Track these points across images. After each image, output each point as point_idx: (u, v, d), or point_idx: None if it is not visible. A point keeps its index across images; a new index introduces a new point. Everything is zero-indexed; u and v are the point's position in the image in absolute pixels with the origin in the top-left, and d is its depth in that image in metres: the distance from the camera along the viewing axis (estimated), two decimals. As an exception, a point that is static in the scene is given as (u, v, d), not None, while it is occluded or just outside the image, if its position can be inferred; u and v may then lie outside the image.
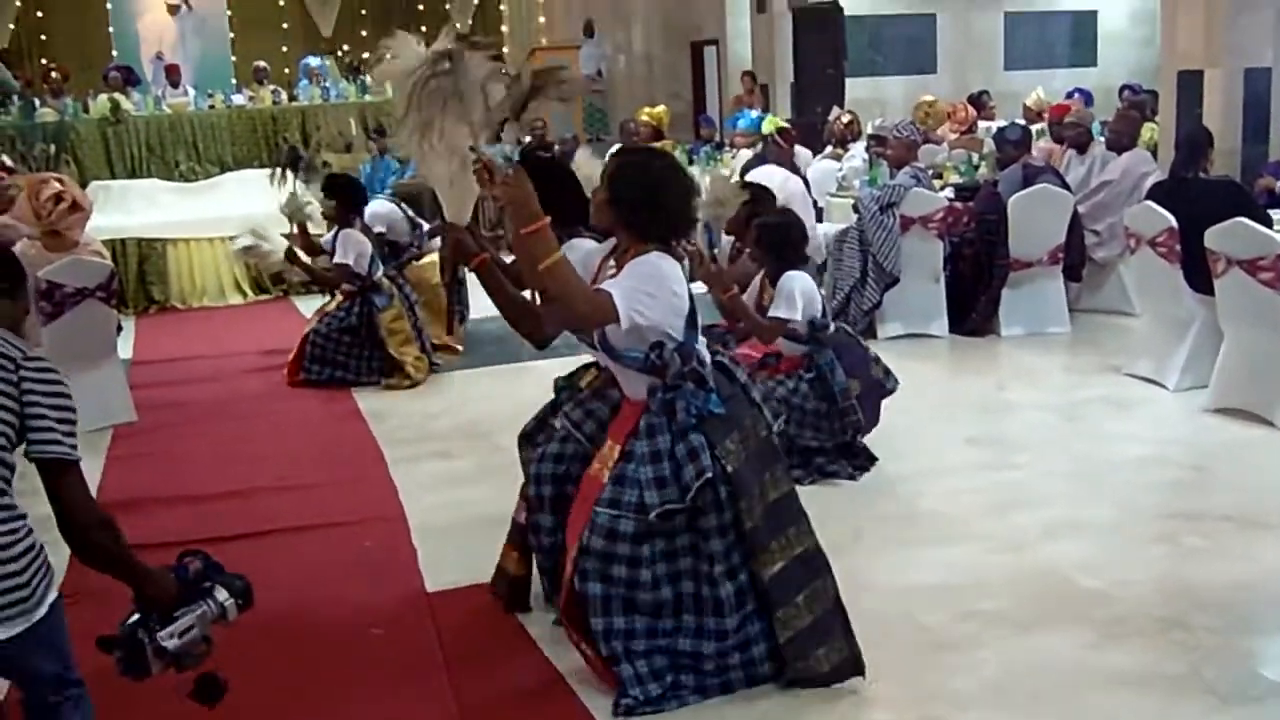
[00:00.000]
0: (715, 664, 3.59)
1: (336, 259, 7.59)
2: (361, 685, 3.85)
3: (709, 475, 3.45)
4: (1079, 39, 16.85)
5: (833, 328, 5.59)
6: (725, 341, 5.45)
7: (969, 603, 4.16)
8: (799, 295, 5.36)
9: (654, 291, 3.43)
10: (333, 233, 7.74)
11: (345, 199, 7.73)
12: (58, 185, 6.97)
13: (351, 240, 7.56)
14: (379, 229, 7.99)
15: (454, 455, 6.23)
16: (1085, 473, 5.46)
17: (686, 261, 4.32)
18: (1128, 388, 6.72)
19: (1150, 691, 3.56)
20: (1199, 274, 6.30)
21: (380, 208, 8.22)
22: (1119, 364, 7.06)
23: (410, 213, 8.50)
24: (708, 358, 3.61)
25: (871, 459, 5.59)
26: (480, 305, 9.04)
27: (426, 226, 8.48)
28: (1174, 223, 6.37)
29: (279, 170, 7.93)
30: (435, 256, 8.32)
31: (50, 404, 2.69)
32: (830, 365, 5.45)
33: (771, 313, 5.38)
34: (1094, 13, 16.76)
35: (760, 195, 6.30)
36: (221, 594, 2.92)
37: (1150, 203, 6.60)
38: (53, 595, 2.79)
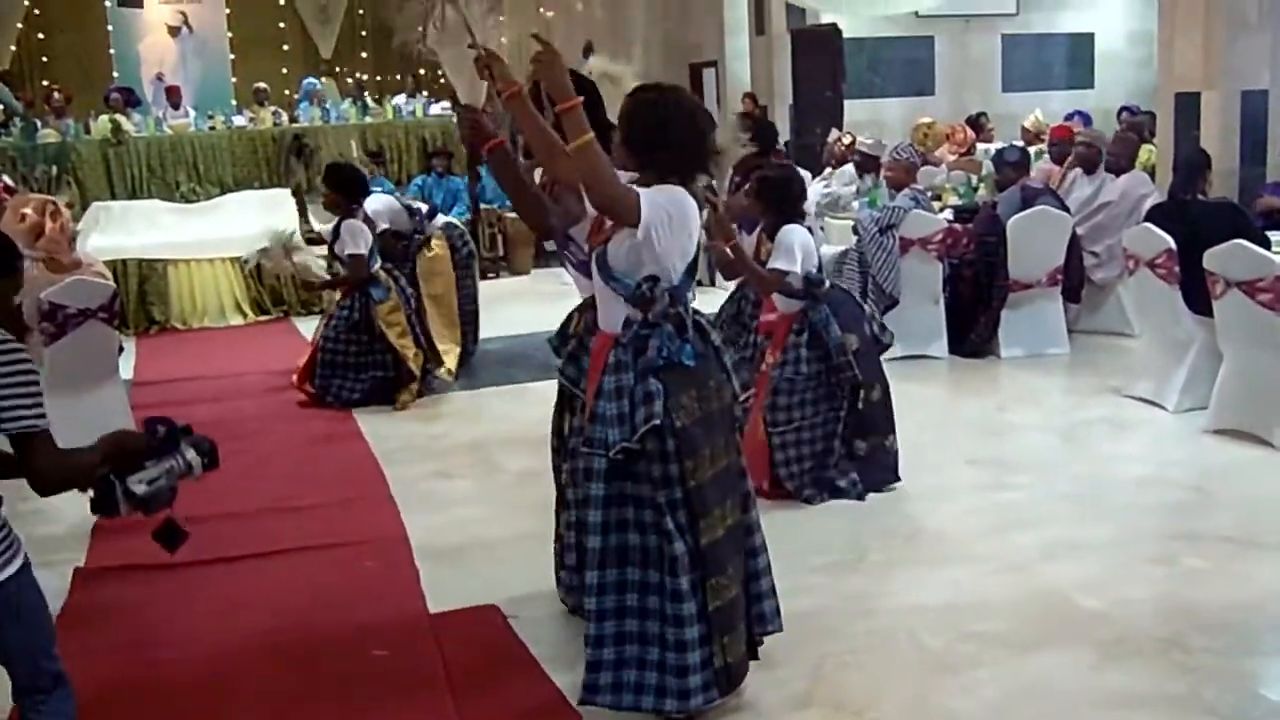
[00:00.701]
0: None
1: (348, 250, 7.59)
2: (365, 707, 3.86)
3: (656, 423, 3.36)
4: (1076, 60, 16.89)
5: (828, 284, 5.61)
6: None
7: (971, 623, 4.17)
8: (798, 248, 5.42)
9: (675, 218, 3.38)
10: (334, 224, 7.79)
11: (348, 189, 7.72)
12: (28, 211, 6.98)
13: (357, 230, 7.59)
14: (383, 225, 8.01)
15: (455, 475, 6.24)
16: (1085, 494, 5.47)
17: (707, 212, 4.33)
18: (1127, 409, 6.74)
19: (1151, 712, 3.57)
20: (1198, 295, 6.33)
21: (379, 203, 8.20)
22: (1118, 385, 7.08)
23: (406, 201, 8.53)
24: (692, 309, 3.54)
25: (895, 475, 5.62)
26: (489, 325, 9.12)
27: (424, 208, 8.54)
28: (1173, 244, 6.40)
29: (285, 159, 7.92)
30: (444, 246, 8.42)
31: (12, 379, 2.70)
32: (825, 321, 5.45)
33: (771, 265, 5.42)
34: (1091, 35, 16.81)
35: (766, 135, 6.28)
36: (189, 452, 3.02)
37: (1149, 224, 6.63)
38: (15, 566, 2.82)
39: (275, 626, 4.52)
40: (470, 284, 8.69)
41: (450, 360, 8.19)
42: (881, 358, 7.92)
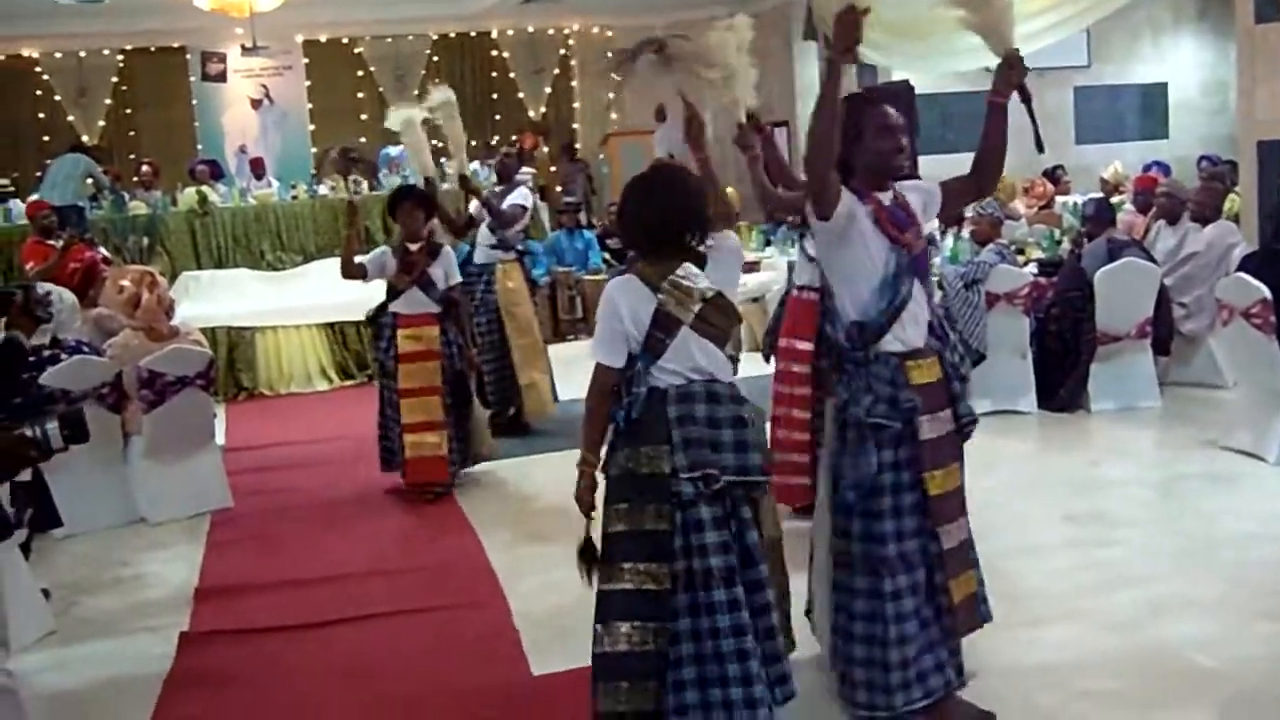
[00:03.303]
0: None
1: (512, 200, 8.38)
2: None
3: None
4: (1149, 110, 16.77)
5: None
6: None
7: (1083, 682, 4.11)
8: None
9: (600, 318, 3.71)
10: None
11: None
12: (126, 283, 7.16)
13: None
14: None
15: (550, 538, 6.24)
16: (1189, 549, 5.38)
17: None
18: (1226, 462, 6.62)
19: (1279, 773, 3.49)
20: (1295, 345, 6.24)
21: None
22: (1214, 437, 6.96)
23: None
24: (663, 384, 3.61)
25: None
26: (571, 385, 9.15)
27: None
28: (1267, 294, 6.32)
29: (335, 171, 7.97)
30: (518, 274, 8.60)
31: None
32: None
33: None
34: (1164, 84, 16.71)
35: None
36: (50, 423, 3.17)
37: (1242, 274, 6.55)
38: None
39: (380, 692, 4.54)
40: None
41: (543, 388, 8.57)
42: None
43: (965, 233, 8.86)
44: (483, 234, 8.58)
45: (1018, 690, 4.09)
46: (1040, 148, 4.02)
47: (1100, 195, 10.40)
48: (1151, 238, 8.74)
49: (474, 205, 8.50)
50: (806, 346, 5.91)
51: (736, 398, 3.67)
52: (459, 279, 7.23)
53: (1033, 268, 8.54)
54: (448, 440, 6.98)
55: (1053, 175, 13.06)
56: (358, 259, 7.07)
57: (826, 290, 3.91)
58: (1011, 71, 3.81)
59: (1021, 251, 9.24)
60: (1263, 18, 9.12)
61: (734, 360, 3.81)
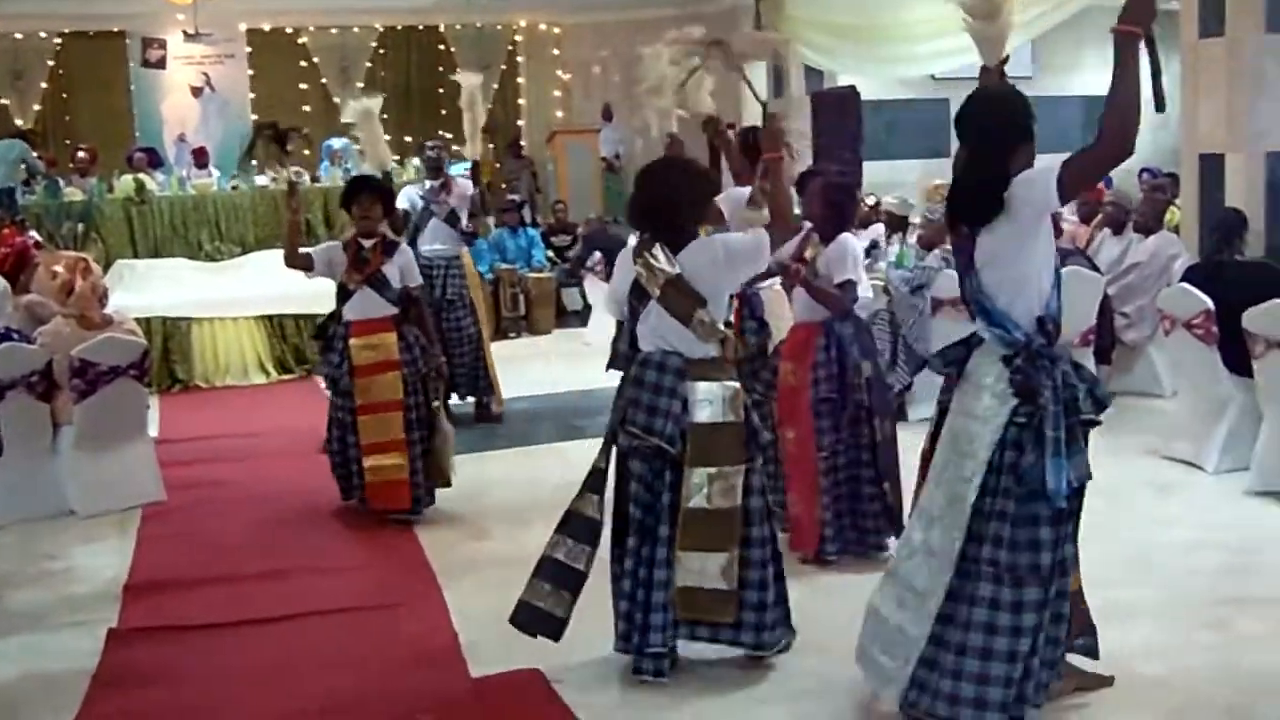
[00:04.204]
0: None
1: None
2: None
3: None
4: (1091, 123, 16.81)
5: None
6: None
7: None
8: (861, 257, 5.52)
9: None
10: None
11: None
12: (59, 269, 6.99)
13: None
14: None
15: (490, 537, 6.18)
16: (1131, 558, 5.38)
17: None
18: (1166, 470, 6.67)
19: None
20: (1235, 356, 6.29)
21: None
22: (1155, 446, 7.01)
23: None
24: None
25: (891, 528, 5.45)
26: (511, 384, 9.07)
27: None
28: (1210, 305, 6.37)
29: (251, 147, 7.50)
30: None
31: None
32: (851, 337, 5.34)
33: (837, 277, 5.31)
34: (1104, 98, 16.93)
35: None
36: None
37: (1186, 285, 6.60)
38: None
39: (313, 690, 4.44)
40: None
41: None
42: (913, 419, 7.93)
43: (911, 238, 8.87)
44: (440, 227, 8.53)
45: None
46: (1159, 105, 3.53)
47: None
48: (1095, 247, 8.79)
49: (403, 201, 8.40)
50: None
51: (682, 371, 4.14)
52: (419, 280, 6.67)
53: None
54: (410, 461, 6.30)
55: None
56: (304, 249, 6.59)
57: (983, 292, 3.68)
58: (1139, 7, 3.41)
59: (966, 258, 9.26)
60: (1206, 32, 9.20)
61: (709, 338, 4.16)
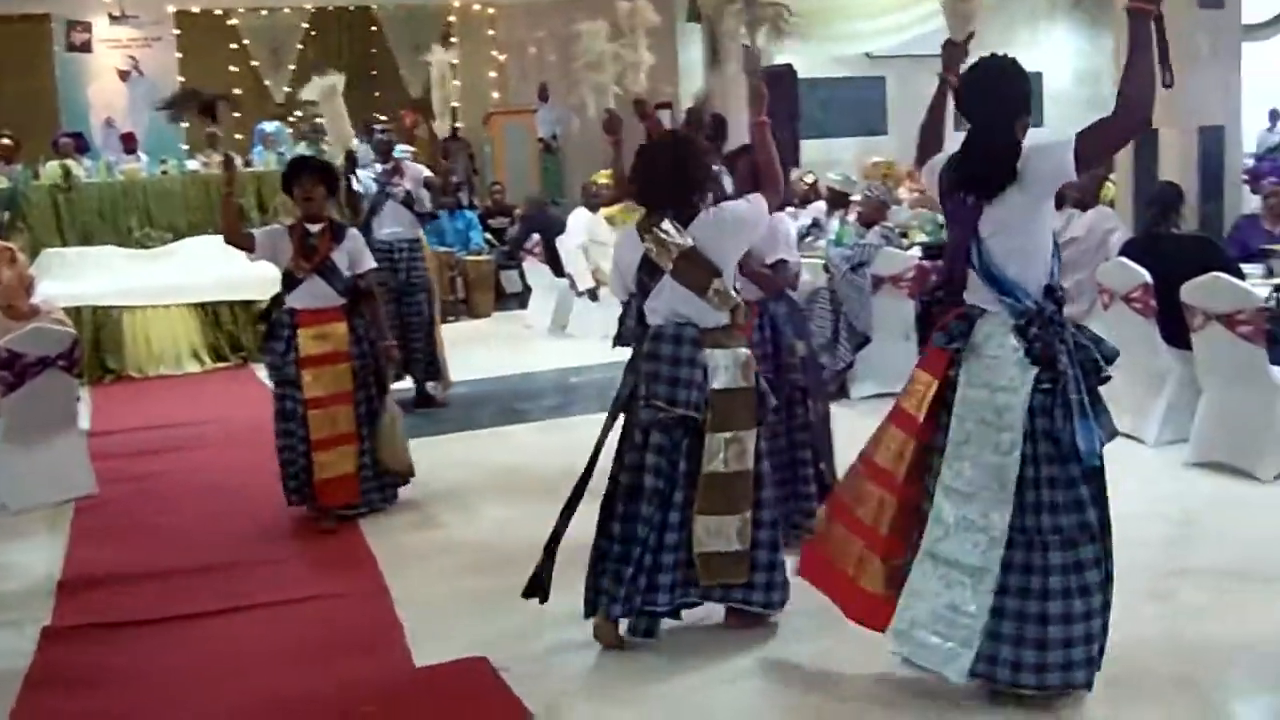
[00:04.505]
0: None
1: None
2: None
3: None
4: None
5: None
6: None
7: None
8: (793, 235, 5.47)
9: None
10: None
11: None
12: None
13: None
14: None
15: (434, 524, 6.10)
16: (1074, 530, 5.41)
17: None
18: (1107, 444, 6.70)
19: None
20: (1174, 329, 6.34)
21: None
22: (1092, 419, 7.04)
23: None
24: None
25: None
26: (451, 369, 8.97)
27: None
28: (1148, 278, 6.41)
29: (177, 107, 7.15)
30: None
31: None
32: (785, 318, 5.31)
33: (770, 257, 5.25)
34: (1039, 74, 17.00)
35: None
36: None
37: (1124, 259, 6.64)
38: None
39: (255, 686, 4.35)
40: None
41: None
42: (855, 396, 7.94)
43: (851, 216, 8.87)
44: (397, 210, 8.43)
45: (908, 676, 4.04)
46: (1167, 81, 3.61)
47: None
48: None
49: (356, 184, 8.30)
50: None
51: (698, 341, 4.21)
52: (372, 264, 6.28)
53: (917, 251, 8.58)
54: (358, 456, 6.06)
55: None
56: (247, 229, 6.32)
57: (993, 262, 3.70)
58: None
59: (906, 235, 9.28)
60: (1140, 7, 9.27)
61: (722, 307, 4.25)
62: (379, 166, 8.60)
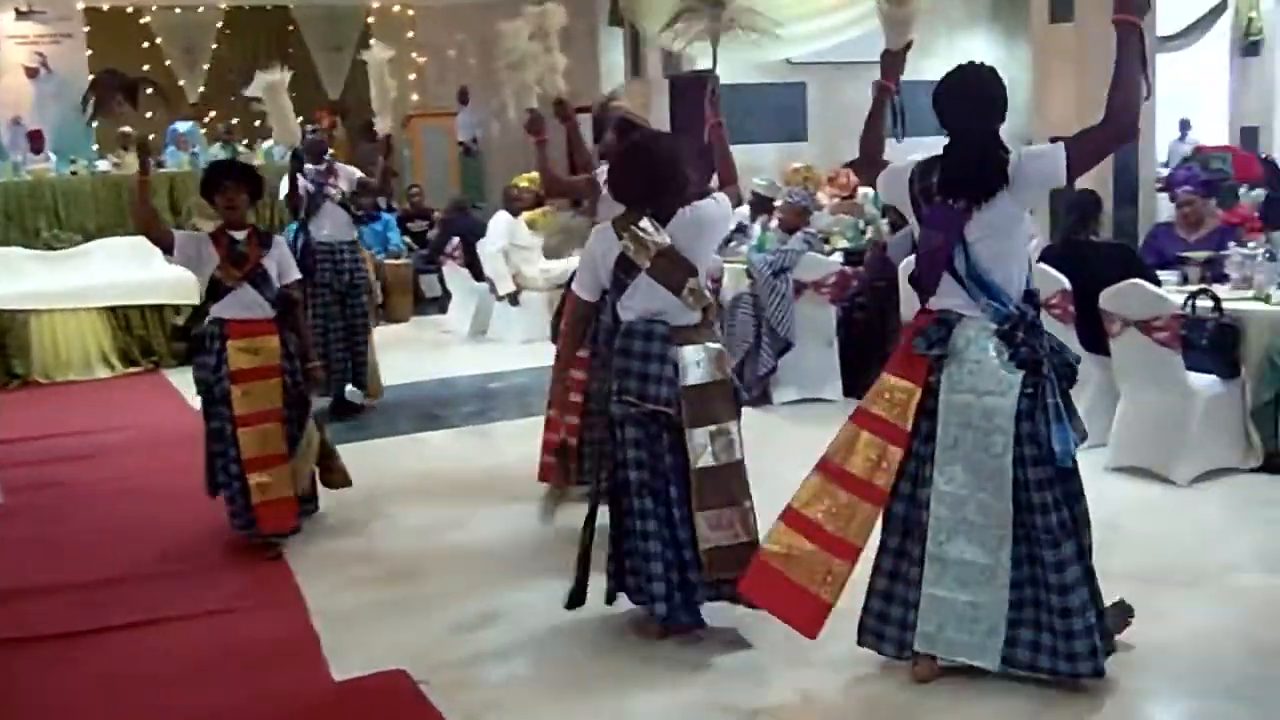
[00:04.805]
0: None
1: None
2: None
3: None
4: (942, 108, 17.30)
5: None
6: None
7: (901, 673, 4.07)
8: None
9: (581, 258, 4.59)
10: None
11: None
12: None
13: None
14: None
15: (350, 532, 5.97)
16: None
17: None
18: (1026, 449, 6.75)
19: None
20: (1092, 335, 6.40)
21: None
22: (1013, 425, 7.09)
23: None
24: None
25: None
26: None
27: None
28: (1067, 284, 6.47)
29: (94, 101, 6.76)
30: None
31: None
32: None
33: None
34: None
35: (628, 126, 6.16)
36: None
37: (1043, 265, 6.69)
38: None
39: (168, 703, 4.23)
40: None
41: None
42: (778, 401, 7.93)
43: (773, 221, 8.87)
44: (335, 212, 8.27)
45: (856, 690, 4.04)
46: (1146, 92, 3.74)
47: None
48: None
49: (302, 182, 8.14)
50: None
51: (669, 337, 4.28)
52: (297, 274, 5.96)
53: (838, 257, 8.60)
54: (291, 476, 5.71)
55: (853, 167, 13.24)
56: (166, 227, 5.94)
57: (980, 266, 3.78)
58: None
59: (827, 240, 9.29)
60: (1057, 17, 9.41)
61: (696, 305, 4.32)
62: (311, 167, 8.43)
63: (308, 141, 8.61)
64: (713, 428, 4.28)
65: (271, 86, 7.73)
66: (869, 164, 4.16)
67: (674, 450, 4.29)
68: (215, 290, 5.67)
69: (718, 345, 4.42)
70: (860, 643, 4.06)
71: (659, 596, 4.28)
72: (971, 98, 3.84)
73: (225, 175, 5.79)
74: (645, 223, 4.29)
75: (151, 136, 6.63)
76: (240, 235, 5.71)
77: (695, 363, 4.30)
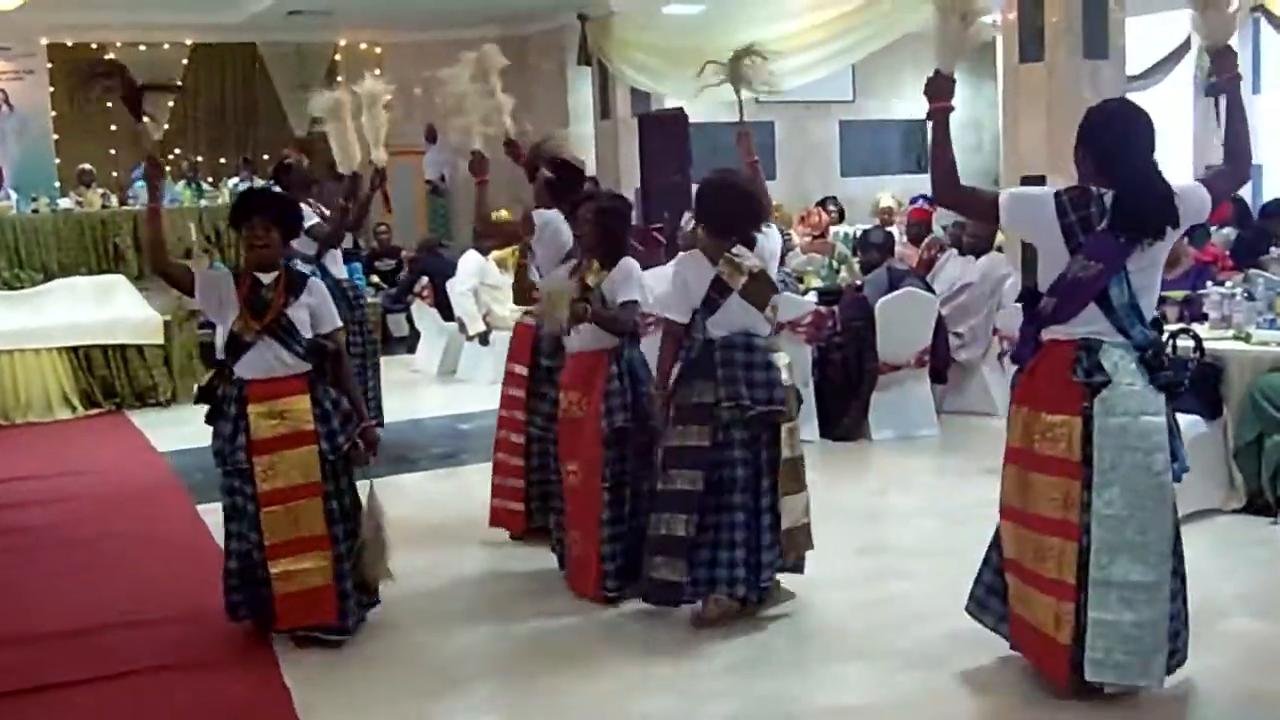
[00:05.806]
0: None
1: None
2: None
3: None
4: (909, 146, 17.40)
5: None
6: None
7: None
8: (644, 278, 5.45)
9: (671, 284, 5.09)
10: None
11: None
12: None
13: None
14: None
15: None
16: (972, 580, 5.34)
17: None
18: (1005, 490, 6.69)
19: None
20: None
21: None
22: (991, 466, 6.94)
23: None
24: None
25: None
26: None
27: None
28: (1046, 325, 6.43)
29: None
30: None
31: None
32: (640, 363, 5.26)
33: (621, 298, 5.17)
34: (922, 122, 17.30)
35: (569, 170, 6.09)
36: None
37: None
38: None
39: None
40: None
41: None
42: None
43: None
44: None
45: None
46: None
47: (878, 225, 10.58)
48: (940, 266, 8.90)
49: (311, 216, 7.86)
50: (523, 371, 6.01)
51: (766, 349, 4.85)
52: (338, 322, 5.02)
53: (813, 296, 8.56)
54: (335, 561, 4.85)
55: (824, 206, 13.29)
56: (181, 261, 5.39)
57: (1139, 297, 4.01)
58: (1224, 58, 4.12)
59: (801, 280, 9.27)
60: (1026, 57, 9.43)
61: (773, 322, 4.99)
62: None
63: (295, 176, 8.31)
64: (791, 425, 4.88)
65: (332, 106, 7.53)
66: (951, 185, 4.26)
67: (769, 445, 4.82)
68: (234, 344, 4.83)
69: (786, 354, 4.98)
70: (966, 609, 4.47)
71: (740, 580, 4.81)
72: (1135, 136, 3.94)
73: (256, 210, 4.89)
74: (740, 249, 4.81)
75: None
76: (267, 278, 4.85)
77: (784, 367, 4.88)
